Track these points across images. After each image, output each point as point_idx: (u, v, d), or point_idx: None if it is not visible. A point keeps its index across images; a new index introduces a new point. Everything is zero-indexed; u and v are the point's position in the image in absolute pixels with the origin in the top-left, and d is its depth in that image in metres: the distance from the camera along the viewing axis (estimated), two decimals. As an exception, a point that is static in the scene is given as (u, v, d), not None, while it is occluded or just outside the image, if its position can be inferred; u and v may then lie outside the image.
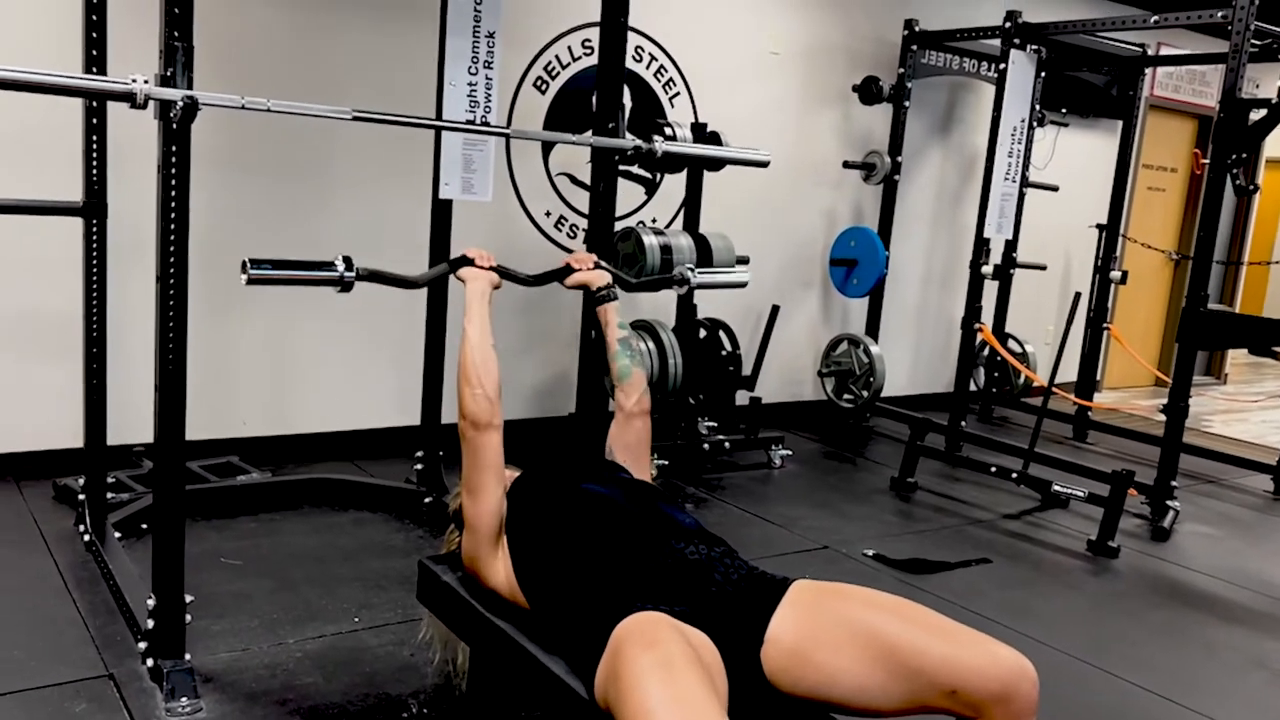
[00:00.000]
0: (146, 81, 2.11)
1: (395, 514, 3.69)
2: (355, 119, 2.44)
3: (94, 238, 3.03)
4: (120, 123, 2.96)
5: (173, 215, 2.21)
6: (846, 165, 5.62)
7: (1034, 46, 5.03)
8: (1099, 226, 5.94)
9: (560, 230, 4.82)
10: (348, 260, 2.21)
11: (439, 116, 3.45)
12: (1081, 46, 6.11)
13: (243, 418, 4.11)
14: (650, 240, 4.26)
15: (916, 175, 6.01)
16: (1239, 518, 4.67)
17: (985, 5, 5.81)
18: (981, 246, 5.09)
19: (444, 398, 3.79)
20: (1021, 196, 5.28)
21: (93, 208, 3.00)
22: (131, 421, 3.57)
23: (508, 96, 4.54)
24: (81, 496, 3.23)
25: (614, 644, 1.62)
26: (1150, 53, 6.11)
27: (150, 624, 2.37)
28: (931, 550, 3.74)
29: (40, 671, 2.41)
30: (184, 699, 2.30)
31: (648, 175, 4.98)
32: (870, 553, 3.65)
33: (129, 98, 2.10)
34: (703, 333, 4.69)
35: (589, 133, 3.14)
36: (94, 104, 2.96)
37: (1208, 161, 4.24)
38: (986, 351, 6.06)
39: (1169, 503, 4.32)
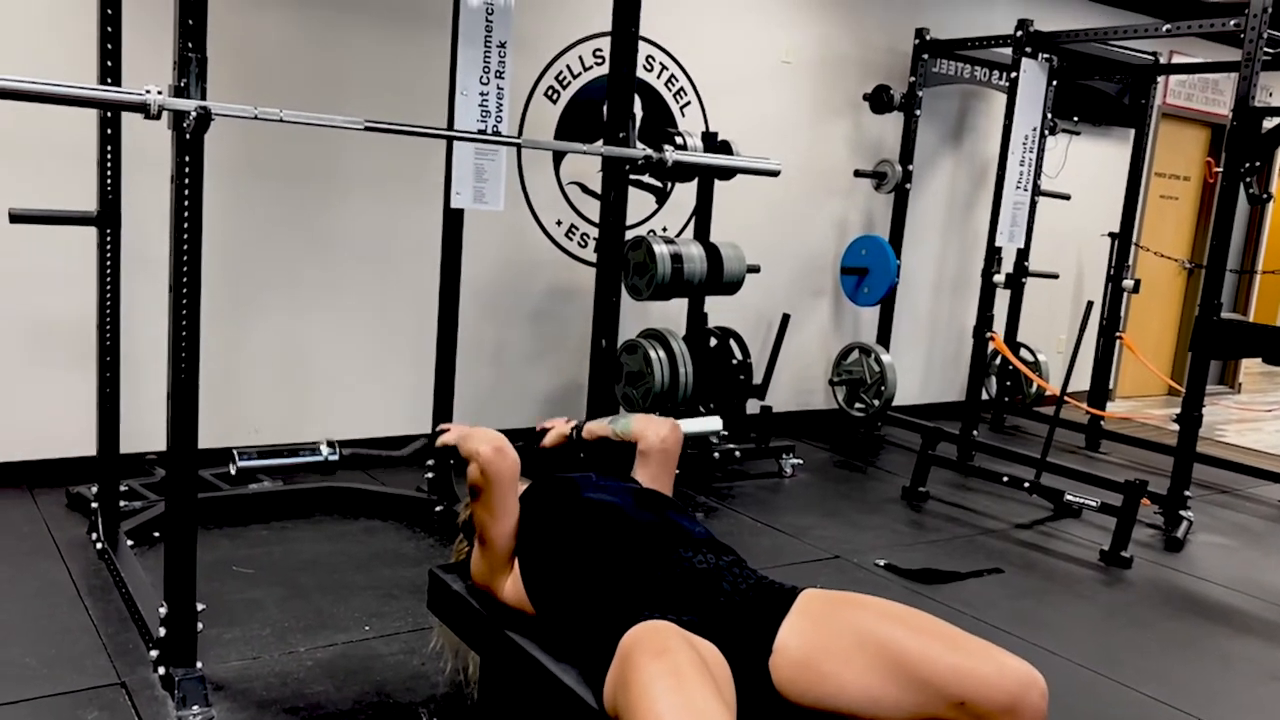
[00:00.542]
0: (160, 92, 2.13)
1: (406, 522, 3.70)
2: (368, 129, 2.46)
3: (108, 247, 3.04)
4: (131, 131, 2.97)
5: (186, 225, 2.22)
6: (858, 174, 5.63)
7: (1046, 55, 5.02)
8: (1111, 235, 5.91)
9: (571, 239, 4.83)
10: (331, 444, 2.27)
11: (451, 126, 3.47)
12: (1093, 55, 6.11)
13: (255, 426, 4.13)
14: (661, 249, 4.27)
15: (928, 184, 6.01)
16: (1253, 528, 4.63)
17: (997, 14, 5.82)
18: (993, 255, 5.08)
19: (454, 408, 3.80)
20: (1033, 205, 5.28)
21: (107, 217, 3.01)
22: (144, 430, 3.58)
23: (519, 106, 4.56)
24: (94, 504, 3.24)
25: (622, 653, 1.62)
26: (1163, 61, 6.10)
27: (162, 632, 2.38)
28: (943, 560, 3.72)
29: (52, 679, 2.42)
30: (195, 707, 2.30)
31: (659, 184, 4.99)
32: (882, 563, 3.64)
33: (143, 109, 2.11)
34: (713, 342, 4.70)
35: (600, 142, 3.15)
36: (108, 114, 2.97)
37: (1221, 170, 4.22)
38: (998, 360, 6.04)
39: (1182, 513, 4.30)
